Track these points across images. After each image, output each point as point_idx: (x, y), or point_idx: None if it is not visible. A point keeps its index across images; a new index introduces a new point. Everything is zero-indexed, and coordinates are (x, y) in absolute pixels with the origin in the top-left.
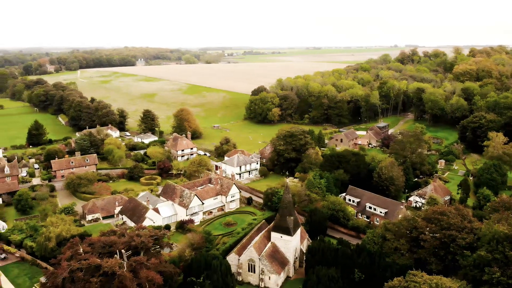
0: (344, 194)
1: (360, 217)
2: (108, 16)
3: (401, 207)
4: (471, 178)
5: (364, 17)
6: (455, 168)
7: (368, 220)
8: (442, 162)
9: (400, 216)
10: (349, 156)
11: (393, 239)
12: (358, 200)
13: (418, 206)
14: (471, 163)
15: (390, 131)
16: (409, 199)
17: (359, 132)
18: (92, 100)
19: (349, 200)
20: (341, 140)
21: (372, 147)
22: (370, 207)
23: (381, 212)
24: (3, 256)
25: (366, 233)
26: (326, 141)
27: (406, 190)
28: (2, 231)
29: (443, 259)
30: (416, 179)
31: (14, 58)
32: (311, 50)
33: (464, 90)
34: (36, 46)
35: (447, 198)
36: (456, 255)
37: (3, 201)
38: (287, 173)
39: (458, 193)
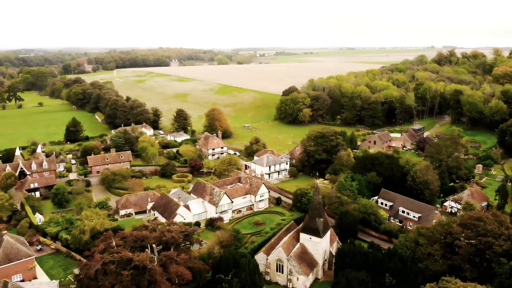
0: (376, 197)
1: (392, 221)
2: (144, 17)
3: (436, 212)
4: (509, 184)
5: (379, 17)
6: (493, 173)
7: (401, 225)
8: (479, 167)
9: (434, 221)
10: (382, 159)
11: (426, 244)
12: (391, 203)
13: (453, 211)
14: (510, 168)
15: (426, 133)
16: (444, 204)
17: (393, 135)
18: (128, 99)
19: (381, 203)
20: (374, 142)
21: (406, 150)
22: (403, 211)
23: (414, 217)
24: (39, 247)
25: (398, 238)
26: (359, 143)
27: (441, 195)
28: (39, 223)
29: (478, 266)
30: (452, 183)
31: (54, 57)
32: (344, 51)
33: (504, 92)
34: (75, 46)
35: (484, 204)
36: (492, 263)
37: (41, 195)
38: (317, 175)
39: (495, 199)
